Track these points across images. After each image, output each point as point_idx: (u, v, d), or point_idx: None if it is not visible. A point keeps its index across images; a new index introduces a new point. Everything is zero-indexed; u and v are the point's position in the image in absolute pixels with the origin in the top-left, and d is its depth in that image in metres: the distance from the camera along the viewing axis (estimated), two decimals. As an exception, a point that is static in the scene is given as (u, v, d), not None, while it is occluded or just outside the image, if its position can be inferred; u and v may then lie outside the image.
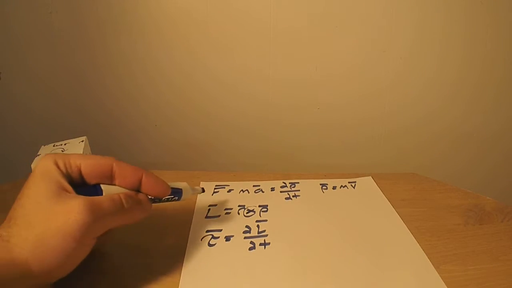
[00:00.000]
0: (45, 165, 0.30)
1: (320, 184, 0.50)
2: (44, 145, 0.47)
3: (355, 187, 0.49)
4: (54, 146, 0.46)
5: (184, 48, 0.59)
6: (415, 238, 0.39)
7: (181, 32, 0.58)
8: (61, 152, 0.43)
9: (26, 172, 0.53)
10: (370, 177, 0.52)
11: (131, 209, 0.32)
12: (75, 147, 0.45)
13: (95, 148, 0.50)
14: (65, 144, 0.46)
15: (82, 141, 0.47)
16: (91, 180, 0.32)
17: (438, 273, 0.34)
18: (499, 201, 0.46)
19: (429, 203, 0.46)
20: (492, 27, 0.56)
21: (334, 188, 0.49)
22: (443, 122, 0.62)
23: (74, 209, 0.27)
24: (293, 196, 0.47)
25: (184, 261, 0.36)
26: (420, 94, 0.60)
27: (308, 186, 0.50)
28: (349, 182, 0.51)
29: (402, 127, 0.63)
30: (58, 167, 0.30)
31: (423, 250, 0.37)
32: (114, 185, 0.33)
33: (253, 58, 0.59)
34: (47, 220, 0.27)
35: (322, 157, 0.65)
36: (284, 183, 0.50)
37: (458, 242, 0.39)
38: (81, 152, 0.43)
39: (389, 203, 0.45)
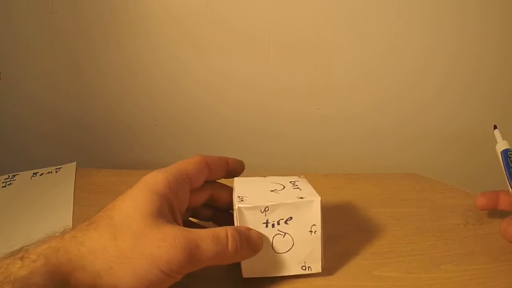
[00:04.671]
0: (151, 180, 0.27)
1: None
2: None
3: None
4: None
5: (182, 48, 0.59)
6: (415, 238, 0.39)
7: (179, 31, 0.58)
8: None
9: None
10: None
11: (236, 250, 0.27)
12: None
13: (95, 147, 0.50)
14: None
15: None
16: (194, 183, 0.31)
17: (438, 273, 0.34)
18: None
19: (429, 203, 0.46)
20: (503, 31, 0.56)
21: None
22: (450, 127, 0.62)
23: (168, 239, 0.24)
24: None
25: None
26: (427, 104, 0.60)
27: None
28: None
29: (411, 138, 0.63)
30: (169, 184, 0.27)
31: (423, 250, 0.37)
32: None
33: (252, 63, 0.59)
34: (136, 239, 0.24)
35: (322, 158, 0.65)
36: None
37: (458, 242, 0.39)
38: None
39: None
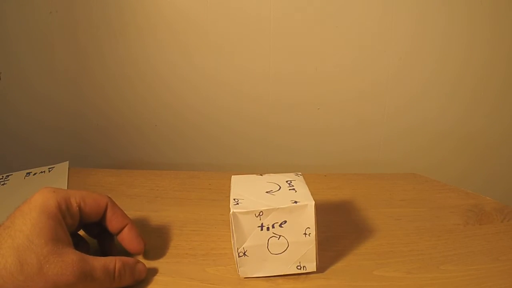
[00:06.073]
0: (46, 204, 0.30)
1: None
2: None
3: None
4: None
5: (181, 49, 0.59)
6: (415, 238, 0.39)
7: (179, 33, 0.58)
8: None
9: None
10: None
11: (120, 280, 0.31)
12: None
13: (94, 148, 0.50)
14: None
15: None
16: (86, 217, 0.33)
17: (438, 273, 0.34)
18: (499, 201, 0.46)
19: (429, 203, 0.46)
20: (492, 27, 0.56)
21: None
22: (444, 123, 0.62)
23: (68, 268, 0.28)
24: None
25: None
26: (420, 95, 0.60)
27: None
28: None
29: (403, 128, 0.63)
30: (60, 208, 0.30)
31: (423, 250, 0.37)
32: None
33: (252, 59, 0.59)
34: (40, 265, 0.27)
35: (322, 158, 0.65)
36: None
37: (458, 242, 0.39)
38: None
39: None
